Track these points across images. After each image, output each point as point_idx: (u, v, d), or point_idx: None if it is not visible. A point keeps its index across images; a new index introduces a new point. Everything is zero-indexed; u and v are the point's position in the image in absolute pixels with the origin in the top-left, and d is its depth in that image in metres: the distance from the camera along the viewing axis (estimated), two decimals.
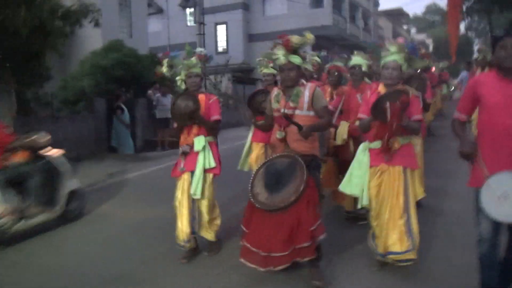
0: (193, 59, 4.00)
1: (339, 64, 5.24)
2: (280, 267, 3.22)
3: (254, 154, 5.23)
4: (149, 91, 11.54)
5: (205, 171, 3.89)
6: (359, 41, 25.76)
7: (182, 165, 3.93)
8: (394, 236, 3.41)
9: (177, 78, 4.10)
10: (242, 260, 3.35)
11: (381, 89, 3.58)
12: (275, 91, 3.64)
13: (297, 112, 3.42)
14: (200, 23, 13.56)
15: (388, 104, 3.26)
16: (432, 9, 67.24)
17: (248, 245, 3.32)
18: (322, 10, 22.71)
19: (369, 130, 3.55)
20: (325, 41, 24.22)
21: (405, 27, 48.50)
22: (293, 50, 3.42)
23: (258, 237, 3.30)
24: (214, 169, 3.95)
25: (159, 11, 25.90)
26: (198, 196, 3.85)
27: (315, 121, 3.46)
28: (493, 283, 2.77)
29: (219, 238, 4.13)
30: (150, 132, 11.64)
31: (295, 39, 3.41)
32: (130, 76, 11.04)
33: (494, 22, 45.65)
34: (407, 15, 46.93)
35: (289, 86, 3.46)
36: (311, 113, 3.44)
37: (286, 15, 22.95)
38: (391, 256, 3.43)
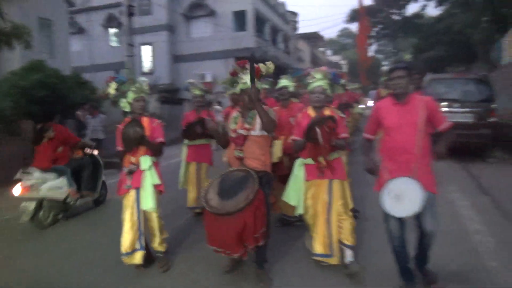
0: (145, 84, 4.22)
1: (266, 86, 5.69)
2: (236, 255, 3.49)
3: (189, 173, 5.58)
4: (78, 112, 11.28)
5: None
6: (280, 62, 27.03)
7: (128, 183, 4.02)
8: (320, 241, 3.76)
9: (123, 100, 4.18)
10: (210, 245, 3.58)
11: (310, 111, 3.91)
12: (234, 113, 3.92)
13: (252, 132, 3.71)
14: (129, 44, 13.50)
15: (318, 130, 3.58)
16: (345, 33, 72.30)
17: (210, 246, 3.58)
18: (245, 33, 23.51)
19: (302, 149, 3.85)
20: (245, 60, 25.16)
21: (321, 49, 51.50)
22: (259, 77, 3.79)
23: (213, 237, 3.57)
24: (159, 186, 4.11)
25: (81, 31, 25.16)
26: (153, 208, 3.98)
27: (268, 140, 3.81)
28: (406, 267, 3.35)
29: (167, 251, 4.24)
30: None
31: (262, 67, 3.81)
32: (54, 97, 10.71)
33: (399, 45, 50.17)
34: (323, 38, 49.94)
35: (251, 109, 3.74)
36: (264, 133, 3.72)
37: (211, 37, 23.45)
38: (316, 257, 3.79)
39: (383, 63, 63.44)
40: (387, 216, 3.27)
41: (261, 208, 3.53)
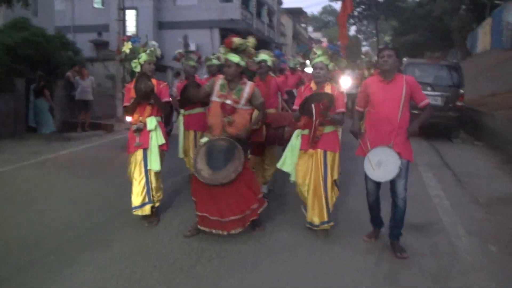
0: (157, 50, 4.47)
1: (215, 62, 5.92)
2: (235, 231, 3.79)
3: (188, 141, 5.81)
4: (68, 73, 11.51)
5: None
6: (264, 36, 27.30)
7: (138, 140, 4.29)
8: (315, 211, 3.97)
9: (134, 61, 4.40)
10: (199, 226, 3.90)
11: (313, 85, 4.07)
12: (220, 80, 4.09)
13: (238, 105, 3.97)
14: (119, 8, 13.59)
15: (313, 106, 3.74)
16: (327, 10, 72.32)
17: (199, 213, 3.89)
18: (231, 4, 23.63)
19: (299, 121, 4.10)
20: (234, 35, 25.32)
21: (303, 25, 51.62)
22: (232, 49, 3.97)
23: (206, 205, 3.84)
24: (163, 146, 4.43)
25: None
26: (158, 169, 4.31)
27: (250, 113, 4.10)
28: (378, 216, 3.99)
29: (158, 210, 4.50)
30: (68, 114, 11.68)
31: (237, 40, 3.96)
32: (39, 57, 10.80)
33: (380, 27, 50.83)
34: (307, 14, 50.02)
35: (230, 80, 3.99)
36: (248, 107, 4.04)
37: (197, 6, 23.45)
38: (309, 226, 4.03)
39: (363, 43, 64.31)
40: (366, 179, 3.80)
41: (249, 174, 3.95)
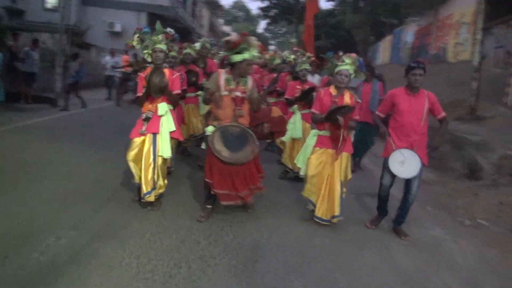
0: (159, 36, 4.39)
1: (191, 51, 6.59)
2: (249, 201, 4.30)
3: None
4: (10, 43, 11.04)
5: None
6: (187, 25, 27.59)
7: (143, 128, 4.30)
8: (332, 205, 4.30)
9: (145, 51, 4.44)
10: (223, 203, 4.20)
11: (333, 91, 4.36)
12: (224, 74, 4.26)
13: (245, 95, 4.28)
14: None
15: (341, 119, 4.07)
16: (238, 5, 73.81)
17: (219, 191, 4.17)
18: None
19: (318, 123, 4.39)
20: (162, 21, 25.25)
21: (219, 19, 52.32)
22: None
23: (224, 182, 4.18)
24: (175, 133, 4.44)
25: None
26: (168, 155, 4.32)
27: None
28: (384, 207, 4.55)
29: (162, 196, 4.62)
30: (9, 84, 11.21)
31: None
32: None
33: (288, 28, 52.90)
34: (223, 7, 50.78)
35: (243, 76, 4.23)
36: (248, 97, 4.32)
37: None
38: (333, 219, 4.34)
39: (270, 42, 67.01)
40: (383, 174, 4.34)
41: (258, 157, 4.40)
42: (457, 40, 15.70)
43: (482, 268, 3.93)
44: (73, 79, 10.83)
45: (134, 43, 4.59)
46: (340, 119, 4.08)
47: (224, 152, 4.13)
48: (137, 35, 4.63)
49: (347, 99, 4.33)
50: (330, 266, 3.66)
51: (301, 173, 4.63)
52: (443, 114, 4.25)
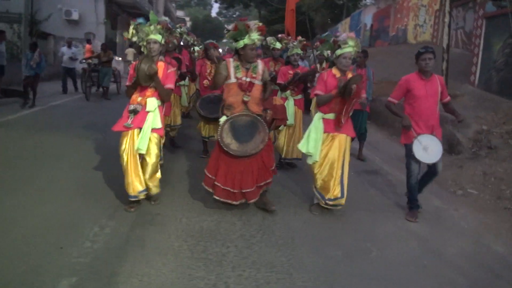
0: (151, 27, 4.10)
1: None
2: (253, 201, 4.19)
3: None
4: None
5: (152, 130, 4.09)
6: (145, 10, 26.94)
7: (129, 122, 4.03)
8: (332, 187, 4.27)
9: (141, 43, 4.20)
10: (216, 197, 4.14)
11: (336, 72, 4.30)
12: (234, 62, 4.20)
13: (256, 81, 4.18)
14: None
15: (354, 87, 3.98)
16: None
17: (220, 185, 4.08)
18: None
19: (327, 104, 4.27)
20: (116, 7, 24.52)
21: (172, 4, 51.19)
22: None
23: (230, 178, 4.06)
24: (159, 130, 4.17)
25: None
26: (143, 151, 4.03)
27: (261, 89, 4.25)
28: (416, 198, 4.54)
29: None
30: None
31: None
32: None
33: (242, 13, 53.06)
34: None
35: (246, 61, 4.17)
36: (261, 82, 4.24)
37: None
38: (330, 202, 4.30)
39: (226, 26, 66.54)
40: (410, 161, 4.36)
41: (271, 145, 4.31)
42: (417, 22, 16.52)
43: (484, 230, 4.43)
44: (33, 71, 10.02)
45: (130, 35, 4.48)
46: (354, 87, 4.00)
47: (233, 145, 4.03)
48: (132, 26, 4.47)
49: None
50: (359, 236, 4.02)
51: (315, 159, 4.33)
52: (448, 97, 4.48)
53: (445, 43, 9.20)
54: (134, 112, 4.03)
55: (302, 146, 4.41)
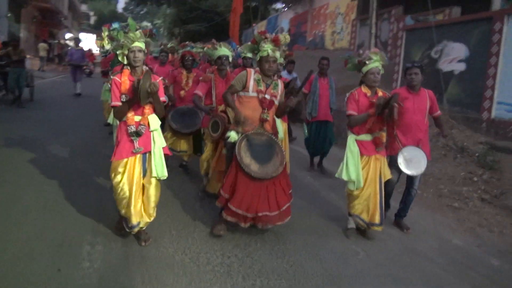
0: (137, 33, 3.48)
1: (194, 50, 6.64)
2: (270, 226, 3.89)
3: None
4: None
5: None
6: (54, 7, 25.10)
7: (137, 145, 3.51)
8: (372, 211, 4.15)
9: (118, 52, 3.54)
10: (225, 216, 3.85)
11: (366, 91, 4.13)
12: (253, 74, 3.98)
13: (275, 100, 4.03)
14: None
15: (396, 106, 3.83)
16: None
17: (234, 208, 3.73)
18: None
19: (362, 124, 4.09)
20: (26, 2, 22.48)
21: None
22: (278, 47, 3.95)
23: (245, 202, 3.72)
24: (165, 149, 3.74)
25: None
26: (165, 175, 3.62)
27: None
28: (388, 203, 4.75)
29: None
30: None
31: (282, 38, 3.95)
32: None
33: (152, 11, 51.34)
34: None
35: (267, 76, 3.98)
36: (277, 103, 4.08)
37: None
38: (373, 227, 4.20)
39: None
40: (392, 170, 4.32)
41: (286, 169, 4.06)
42: (334, 29, 17.61)
43: (440, 227, 5.02)
44: None
45: (105, 43, 4.22)
46: (396, 106, 3.83)
47: (253, 166, 3.74)
48: (106, 33, 4.22)
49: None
50: (346, 242, 4.29)
51: (359, 185, 4.13)
52: (439, 112, 4.51)
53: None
54: (138, 134, 3.50)
55: (344, 175, 4.16)
